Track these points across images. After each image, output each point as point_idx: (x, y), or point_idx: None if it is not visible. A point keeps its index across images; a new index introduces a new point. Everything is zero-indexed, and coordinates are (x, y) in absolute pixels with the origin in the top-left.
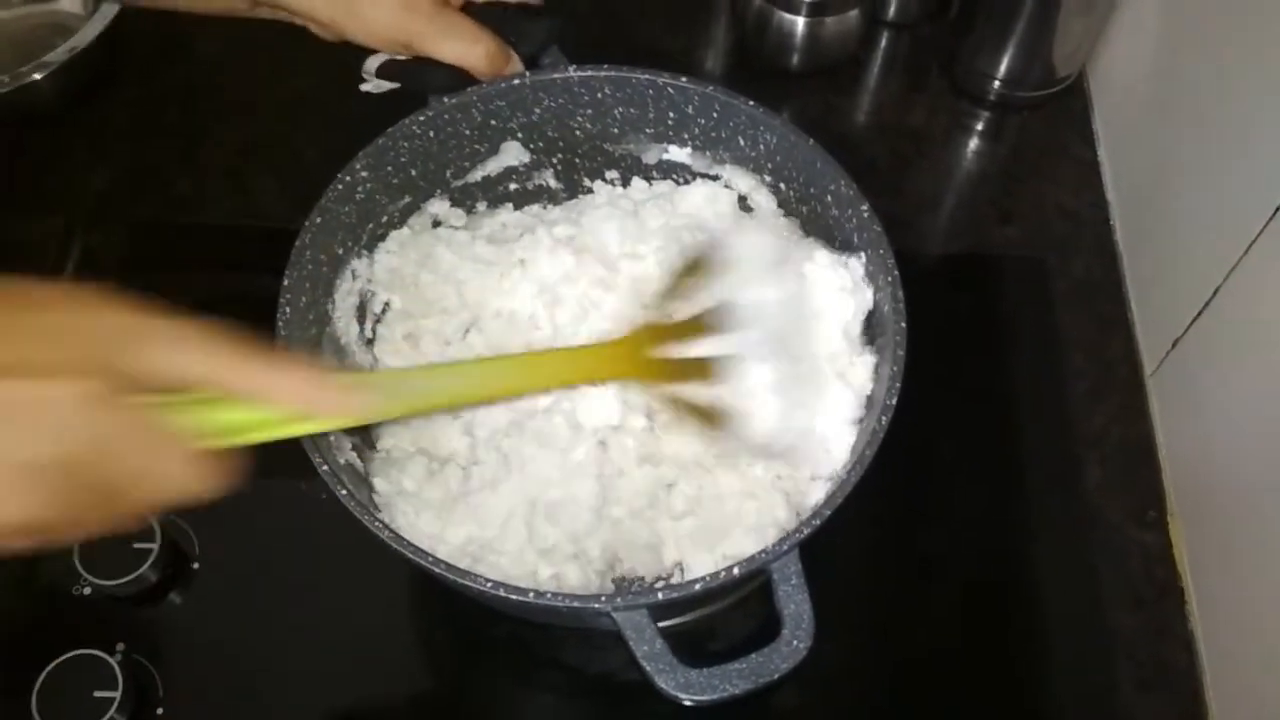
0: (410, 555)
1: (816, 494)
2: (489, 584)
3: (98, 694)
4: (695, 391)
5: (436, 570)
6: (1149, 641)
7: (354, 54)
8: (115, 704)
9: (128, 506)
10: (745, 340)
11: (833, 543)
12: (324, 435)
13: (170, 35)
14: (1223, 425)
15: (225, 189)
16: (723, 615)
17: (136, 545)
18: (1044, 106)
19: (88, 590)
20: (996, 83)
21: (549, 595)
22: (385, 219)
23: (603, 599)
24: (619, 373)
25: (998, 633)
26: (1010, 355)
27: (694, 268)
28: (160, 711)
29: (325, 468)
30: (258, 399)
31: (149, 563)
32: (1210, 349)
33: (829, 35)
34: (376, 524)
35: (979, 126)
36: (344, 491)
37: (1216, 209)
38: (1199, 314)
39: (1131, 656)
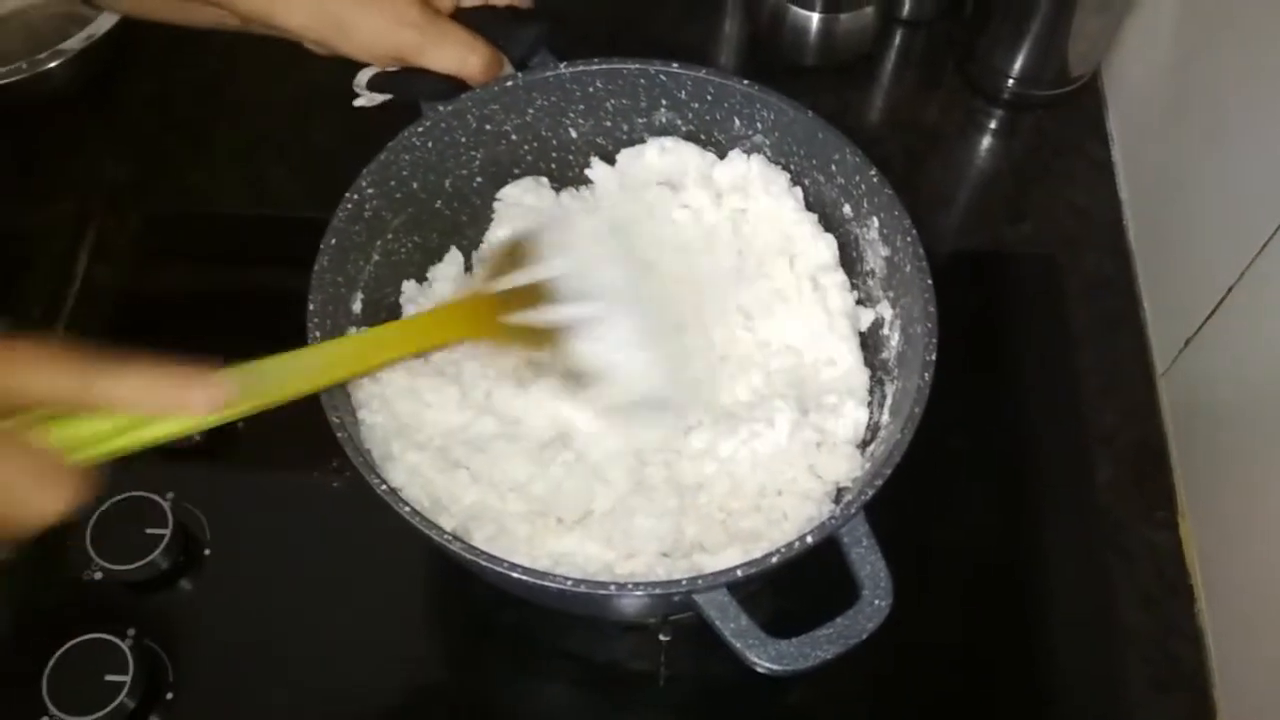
0: (436, 539)
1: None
2: (541, 576)
3: (109, 678)
4: (558, 353)
5: (480, 562)
6: (1158, 640)
7: None
8: (126, 688)
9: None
10: (590, 307)
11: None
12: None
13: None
14: (1234, 425)
15: (238, 178)
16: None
17: (148, 531)
18: (1058, 105)
19: (99, 575)
20: (1011, 81)
21: (629, 586)
22: (390, 234)
23: (683, 582)
24: (470, 333)
25: (1007, 630)
26: (1021, 353)
27: (517, 251)
28: (170, 696)
29: (343, 434)
30: (107, 408)
31: (160, 548)
32: (1223, 349)
33: (844, 32)
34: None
35: (993, 124)
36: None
37: (1230, 209)
38: (1211, 313)
39: (1141, 655)
